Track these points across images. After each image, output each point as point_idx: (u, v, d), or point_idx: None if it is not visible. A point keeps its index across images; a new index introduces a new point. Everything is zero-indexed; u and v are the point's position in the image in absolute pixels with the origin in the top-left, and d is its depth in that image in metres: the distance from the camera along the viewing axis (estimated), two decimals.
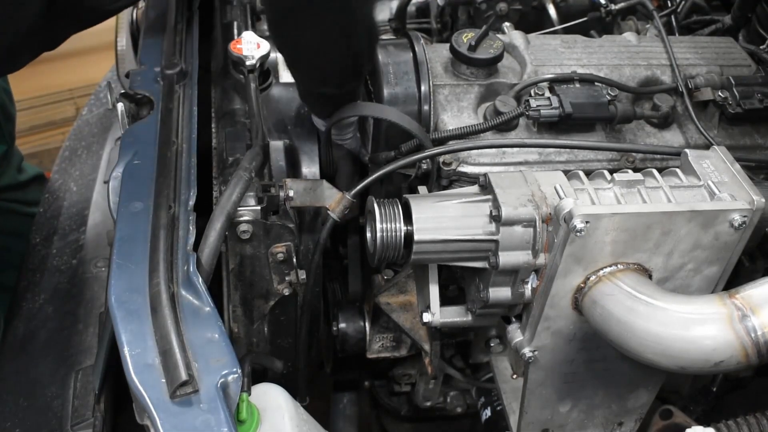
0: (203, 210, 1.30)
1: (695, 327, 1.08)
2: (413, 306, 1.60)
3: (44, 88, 3.89)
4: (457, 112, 1.48)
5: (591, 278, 1.20)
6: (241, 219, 1.31)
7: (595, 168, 1.41)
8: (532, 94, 1.46)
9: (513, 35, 1.61)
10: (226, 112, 1.59)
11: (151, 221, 1.23)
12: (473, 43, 1.48)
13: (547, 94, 1.46)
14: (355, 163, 1.58)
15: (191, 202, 1.26)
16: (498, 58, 1.50)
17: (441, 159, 1.42)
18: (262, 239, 1.35)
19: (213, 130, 1.58)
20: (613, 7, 1.89)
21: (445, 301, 1.46)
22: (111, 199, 1.34)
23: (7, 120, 2.50)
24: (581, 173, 1.30)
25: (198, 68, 1.59)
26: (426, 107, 1.47)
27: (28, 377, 1.67)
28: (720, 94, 1.50)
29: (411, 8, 2.10)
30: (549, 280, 1.23)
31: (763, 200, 1.19)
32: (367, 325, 1.69)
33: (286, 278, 1.40)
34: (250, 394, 1.13)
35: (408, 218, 1.29)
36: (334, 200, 1.38)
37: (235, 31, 1.73)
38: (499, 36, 1.55)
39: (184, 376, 1.00)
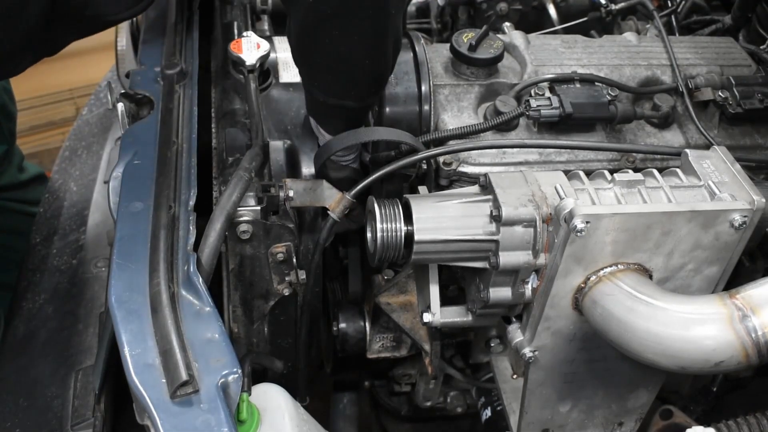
0: (203, 210, 1.30)
1: (695, 327, 1.08)
2: (413, 306, 1.60)
3: (44, 88, 3.89)
4: (457, 112, 1.48)
5: (591, 278, 1.20)
6: (241, 219, 1.31)
7: (595, 168, 1.41)
8: (533, 94, 1.46)
9: (513, 35, 1.61)
10: (226, 112, 1.59)
11: (151, 221, 1.23)
12: (473, 43, 1.48)
13: (548, 94, 1.46)
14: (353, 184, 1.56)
15: (191, 202, 1.26)
16: (498, 58, 1.50)
17: (441, 159, 1.42)
18: (262, 239, 1.35)
19: (213, 130, 1.58)
20: (613, 7, 1.90)
21: (445, 301, 1.46)
22: (111, 199, 1.34)
23: (7, 119, 2.50)
24: (581, 173, 1.30)
25: (198, 68, 1.59)
26: (426, 107, 1.47)
27: (28, 377, 1.66)
28: (720, 94, 1.50)
29: (411, 8, 2.10)
30: (549, 280, 1.23)
31: (764, 200, 1.19)
32: (367, 325, 1.68)
33: (286, 278, 1.40)
34: (250, 394, 1.13)
35: (408, 218, 1.29)
36: (334, 200, 1.38)
37: (235, 31, 1.73)
38: (500, 36, 1.55)
39: (184, 376, 1.00)
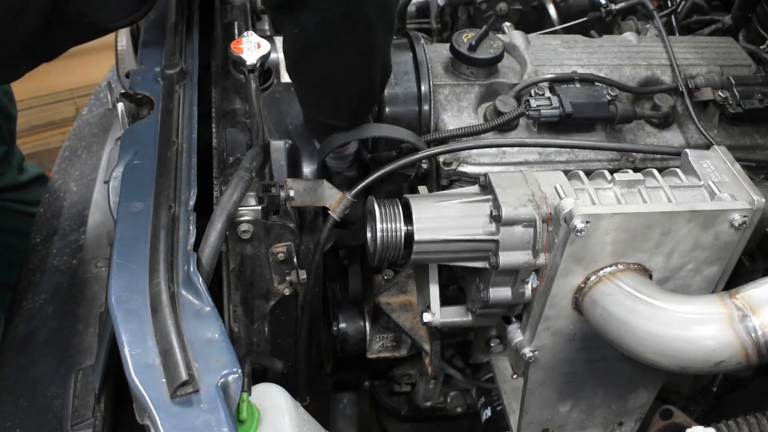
0: (203, 210, 1.30)
1: (695, 327, 1.08)
2: (413, 306, 1.60)
3: (44, 88, 3.89)
4: (457, 112, 1.49)
5: (591, 278, 1.20)
6: (242, 219, 1.31)
7: (595, 168, 1.41)
8: (533, 94, 1.46)
9: (513, 35, 1.61)
10: (226, 112, 1.59)
11: (151, 221, 1.22)
12: (473, 43, 1.48)
13: (548, 94, 1.46)
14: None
15: (191, 202, 1.26)
16: (498, 58, 1.50)
17: (441, 159, 1.42)
18: (263, 239, 1.35)
19: (213, 130, 1.58)
20: (613, 7, 1.90)
21: (445, 301, 1.46)
22: (111, 199, 1.34)
23: (7, 121, 2.50)
24: (581, 173, 1.30)
25: (198, 68, 1.59)
26: (426, 107, 1.47)
27: (28, 377, 1.66)
28: (720, 94, 1.50)
29: (411, 8, 2.10)
30: (549, 280, 1.23)
31: (764, 200, 1.19)
32: (367, 325, 1.68)
33: (287, 278, 1.40)
34: (250, 394, 1.13)
35: (408, 218, 1.29)
36: (334, 200, 1.38)
37: (236, 31, 1.73)
38: (500, 36, 1.55)
39: (184, 376, 1.00)
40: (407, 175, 1.50)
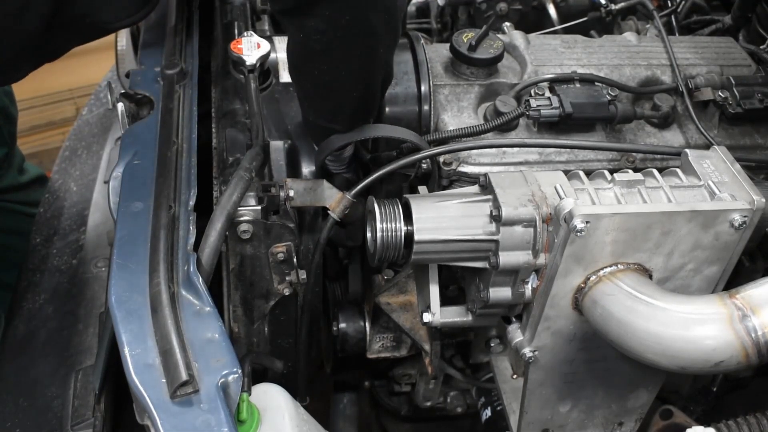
0: (203, 210, 1.30)
1: (695, 327, 1.08)
2: (413, 306, 1.60)
3: (44, 88, 3.89)
4: (457, 112, 1.48)
5: (591, 278, 1.20)
6: (242, 219, 1.31)
7: (595, 168, 1.41)
8: (533, 94, 1.46)
9: (513, 35, 1.61)
10: (226, 112, 1.59)
11: (151, 221, 1.23)
12: (473, 43, 1.48)
13: (548, 94, 1.46)
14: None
15: (191, 202, 1.26)
16: (498, 58, 1.50)
17: (441, 159, 1.42)
18: (263, 239, 1.35)
19: (213, 130, 1.58)
20: (613, 7, 1.90)
21: (445, 301, 1.46)
22: (111, 199, 1.34)
23: (8, 122, 2.50)
24: (581, 173, 1.30)
25: (198, 68, 1.59)
26: (426, 107, 1.47)
27: (28, 377, 1.66)
28: (720, 94, 1.50)
29: (411, 8, 2.10)
30: (549, 280, 1.23)
31: (764, 200, 1.19)
32: (367, 325, 1.68)
33: (287, 278, 1.40)
34: (250, 394, 1.13)
35: (408, 218, 1.29)
36: (334, 200, 1.38)
37: (236, 31, 1.73)
38: (500, 36, 1.55)
39: (184, 376, 1.00)
40: (407, 175, 1.50)
